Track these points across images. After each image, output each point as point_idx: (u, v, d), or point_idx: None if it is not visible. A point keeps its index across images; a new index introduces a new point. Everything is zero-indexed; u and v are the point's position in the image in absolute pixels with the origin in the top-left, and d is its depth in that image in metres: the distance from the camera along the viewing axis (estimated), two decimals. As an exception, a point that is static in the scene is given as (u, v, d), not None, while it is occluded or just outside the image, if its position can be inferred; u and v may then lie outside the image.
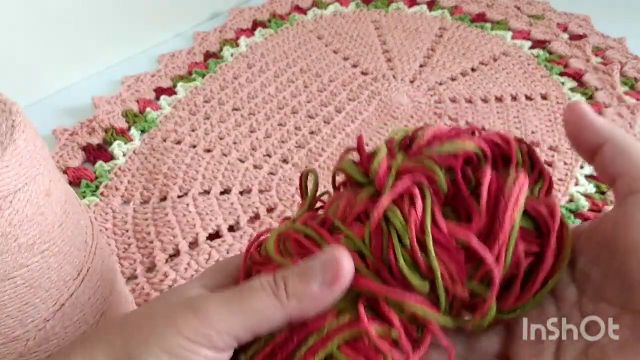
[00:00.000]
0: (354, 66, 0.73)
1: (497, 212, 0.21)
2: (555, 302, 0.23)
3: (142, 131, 0.62)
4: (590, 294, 0.22)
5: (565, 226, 0.22)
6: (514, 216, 0.20)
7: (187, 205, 0.52)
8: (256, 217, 0.52)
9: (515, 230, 0.20)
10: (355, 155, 0.27)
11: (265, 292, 0.20)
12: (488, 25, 0.80)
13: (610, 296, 0.21)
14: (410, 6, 0.86)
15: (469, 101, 0.66)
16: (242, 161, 0.58)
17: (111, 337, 0.21)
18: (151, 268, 0.47)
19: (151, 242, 0.49)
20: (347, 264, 0.20)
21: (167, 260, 0.48)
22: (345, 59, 0.75)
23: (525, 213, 0.21)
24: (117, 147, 0.59)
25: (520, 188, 0.21)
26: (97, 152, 0.59)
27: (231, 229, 0.51)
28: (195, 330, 0.20)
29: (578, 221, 0.50)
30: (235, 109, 0.65)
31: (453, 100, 0.66)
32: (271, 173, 0.56)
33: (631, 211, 0.20)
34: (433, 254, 0.20)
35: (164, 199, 0.54)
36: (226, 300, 0.21)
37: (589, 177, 0.55)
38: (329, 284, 0.20)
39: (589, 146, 0.23)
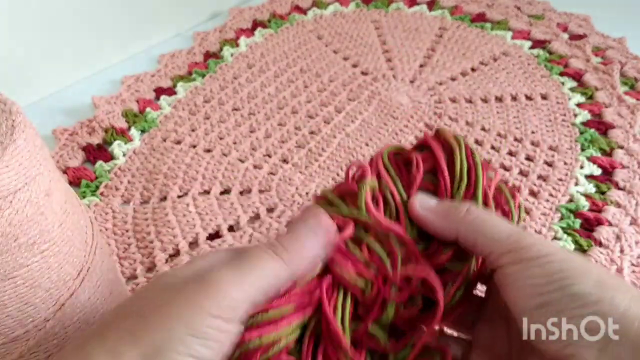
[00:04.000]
0: (354, 66, 0.73)
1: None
2: (506, 327, 0.26)
3: (142, 131, 0.62)
4: None
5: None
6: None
7: (187, 205, 0.52)
8: (256, 217, 0.52)
9: None
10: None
11: (267, 254, 0.22)
12: (488, 25, 0.80)
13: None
14: (410, 6, 0.86)
15: (469, 101, 0.66)
16: (242, 161, 0.58)
17: (131, 326, 0.19)
18: (151, 268, 0.47)
19: (151, 242, 0.49)
20: (324, 215, 0.24)
21: (167, 260, 0.48)
22: (345, 59, 0.75)
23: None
24: (117, 147, 0.59)
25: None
26: (97, 152, 0.59)
27: (231, 229, 0.51)
28: (218, 304, 0.19)
29: (578, 221, 0.50)
30: (235, 109, 0.65)
31: (453, 100, 0.66)
32: (271, 173, 0.56)
33: (501, 282, 0.24)
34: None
35: (164, 199, 0.54)
36: (236, 268, 0.21)
37: (589, 177, 0.55)
38: (315, 232, 0.23)
39: (449, 241, 0.25)
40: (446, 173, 0.27)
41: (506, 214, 0.27)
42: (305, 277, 0.23)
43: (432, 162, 0.28)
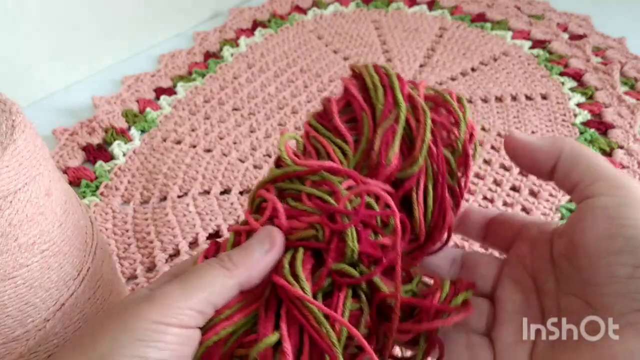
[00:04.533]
0: (354, 66, 0.73)
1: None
2: (536, 292, 0.24)
3: (142, 131, 0.62)
4: (564, 288, 0.23)
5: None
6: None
7: (187, 205, 0.52)
8: (256, 217, 0.52)
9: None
10: None
11: (213, 267, 0.23)
12: (488, 25, 0.80)
13: (577, 291, 0.22)
14: (410, 6, 0.86)
15: (469, 101, 0.66)
16: (242, 161, 0.58)
17: (80, 343, 0.21)
18: (151, 268, 0.47)
19: (151, 242, 0.49)
20: (279, 235, 0.24)
21: (167, 260, 0.48)
22: (345, 59, 0.75)
23: None
24: (117, 147, 0.59)
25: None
26: (97, 152, 0.59)
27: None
28: (160, 312, 0.21)
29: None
30: (235, 109, 0.65)
31: (453, 100, 0.66)
32: (271, 173, 0.56)
33: (583, 215, 0.22)
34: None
35: (164, 199, 0.54)
36: (182, 281, 0.22)
37: (589, 177, 0.55)
38: (268, 250, 0.23)
39: (545, 169, 0.24)
40: (353, 91, 0.27)
41: (452, 114, 0.27)
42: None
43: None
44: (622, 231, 0.20)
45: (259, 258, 0.23)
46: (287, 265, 0.23)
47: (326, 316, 0.22)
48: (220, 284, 0.22)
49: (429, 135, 0.26)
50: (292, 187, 0.25)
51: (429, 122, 0.26)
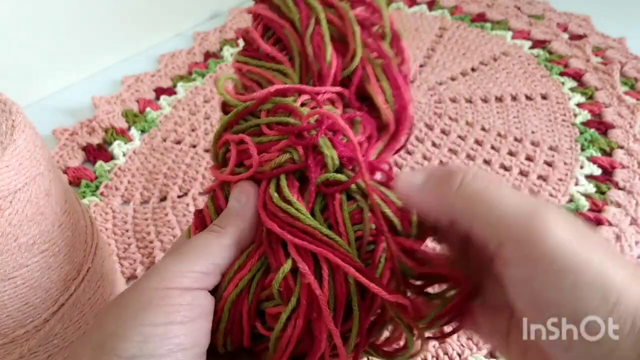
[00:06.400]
0: (354, 66, 0.73)
1: None
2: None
3: (142, 131, 0.62)
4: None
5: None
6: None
7: (187, 205, 0.52)
8: (256, 217, 0.52)
9: None
10: None
11: (204, 233, 0.24)
12: (488, 25, 0.80)
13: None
14: (410, 6, 0.86)
15: (469, 101, 0.66)
16: (242, 161, 0.58)
17: (91, 330, 0.21)
18: (151, 268, 0.47)
19: (151, 242, 0.49)
20: (247, 183, 0.24)
21: (167, 260, 0.48)
22: (345, 59, 0.75)
23: None
24: (117, 147, 0.59)
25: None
26: (97, 152, 0.59)
27: (231, 229, 0.51)
28: (161, 278, 0.21)
29: (578, 221, 0.50)
30: (235, 109, 0.65)
31: (453, 100, 0.66)
32: (271, 173, 0.56)
33: (506, 284, 0.19)
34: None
35: (164, 199, 0.54)
36: (177, 251, 0.23)
37: (589, 177, 0.55)
38: (245, 202, 0.24)
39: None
40: (265, 13, 0.28)
41: (370, 5, 0.27)
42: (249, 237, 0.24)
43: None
44: (545, 305, 0.18)
45: (240, 211, 0.24)
46: (275, 194, 0.23)
47: (330, 226, 0.22)
48: (215, 245, 0.23)
49: (357, 26, 0.26)
50: (249, 124, 0.25)
51: (351, 15, 0.27)
